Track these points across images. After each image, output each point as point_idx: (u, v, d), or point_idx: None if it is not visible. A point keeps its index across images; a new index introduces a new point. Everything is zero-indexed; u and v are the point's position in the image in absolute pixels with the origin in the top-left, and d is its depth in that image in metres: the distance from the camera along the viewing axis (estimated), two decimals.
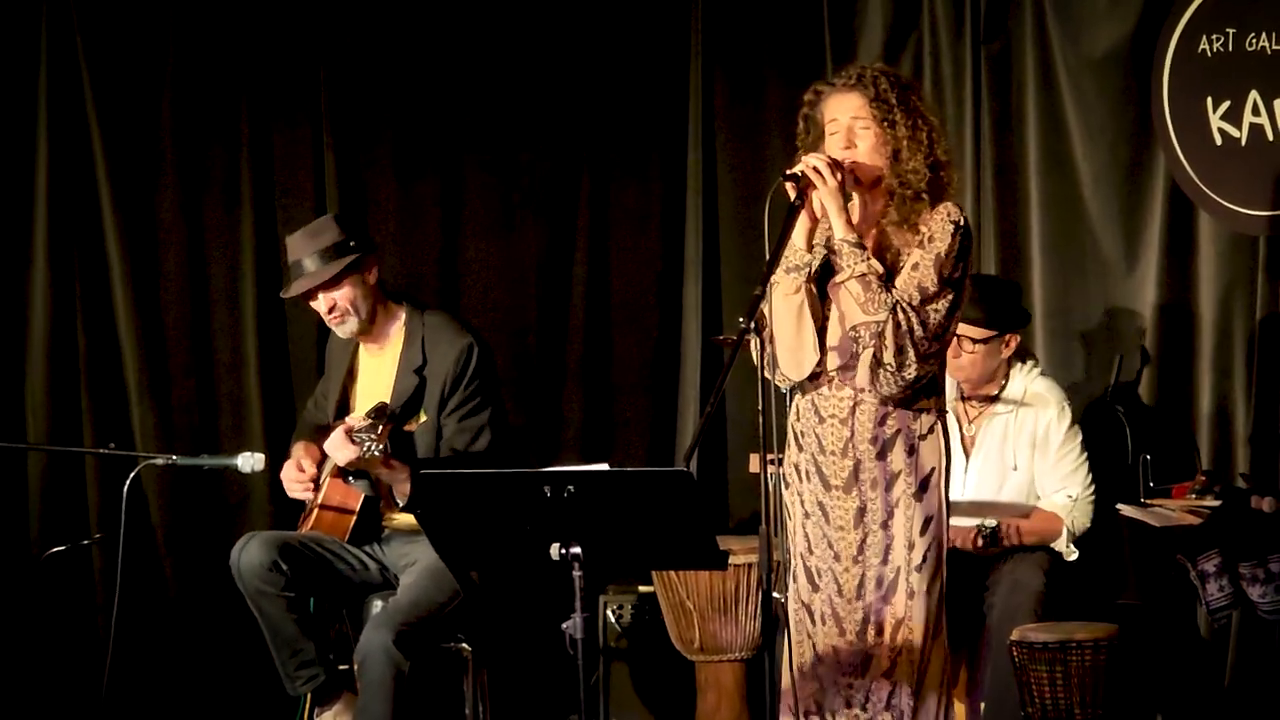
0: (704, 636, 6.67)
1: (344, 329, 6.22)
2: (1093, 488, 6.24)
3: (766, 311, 5.07)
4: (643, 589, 6.95)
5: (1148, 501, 6.08)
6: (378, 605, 6.14)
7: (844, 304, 5.02)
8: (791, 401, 5.20)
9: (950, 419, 5.27)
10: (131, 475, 6.12)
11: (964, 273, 5.06)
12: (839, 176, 4.99)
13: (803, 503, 5.15)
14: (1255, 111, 6.35)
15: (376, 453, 5.85)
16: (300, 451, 6.26)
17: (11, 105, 7.25)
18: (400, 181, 7.57)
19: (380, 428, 5.86)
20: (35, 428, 7.26)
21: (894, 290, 4.98)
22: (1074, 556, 6.20)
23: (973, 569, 6.14)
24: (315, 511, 6.19)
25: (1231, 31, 6.39)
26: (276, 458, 6.44)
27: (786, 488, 5.19)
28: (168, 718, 7.26)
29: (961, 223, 5.04)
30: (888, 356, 4.97)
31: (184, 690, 7.26)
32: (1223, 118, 6.43)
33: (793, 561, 5.19)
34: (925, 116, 5.09)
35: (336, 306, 6.15)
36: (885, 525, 5.08)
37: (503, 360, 6.88)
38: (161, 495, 7.31)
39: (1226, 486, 6.12)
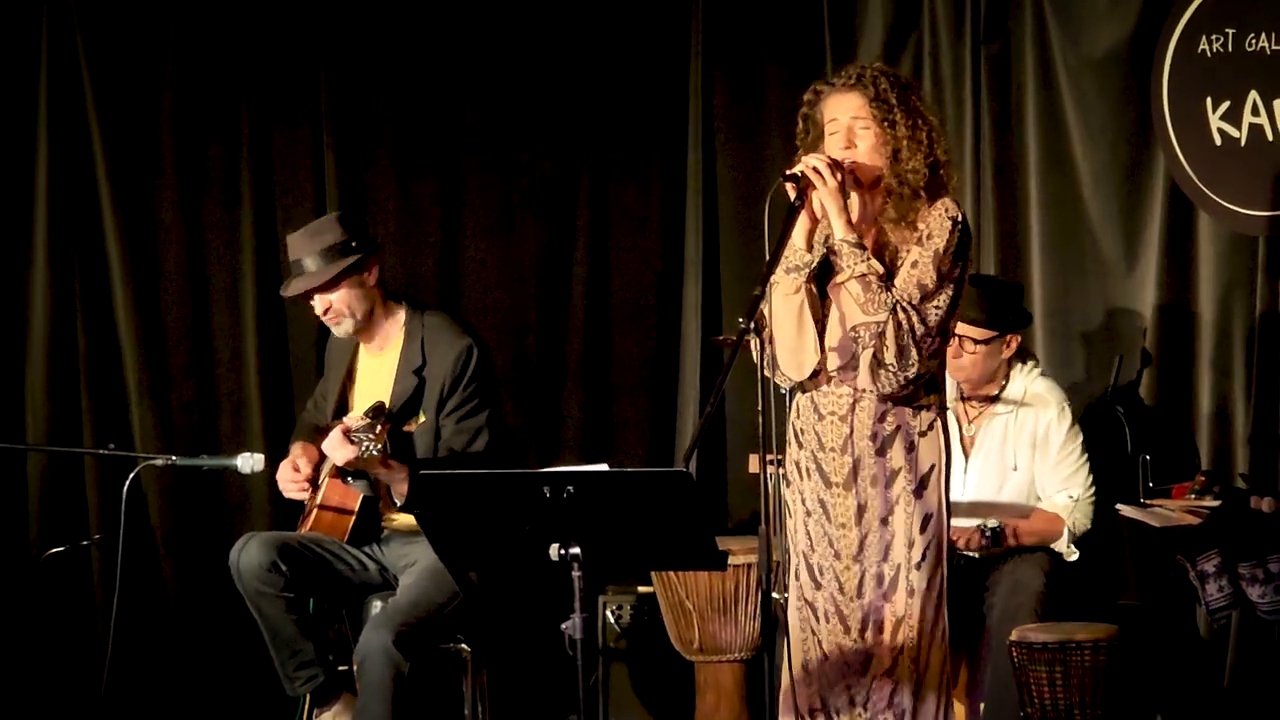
0: (703, 637, 6.67)
1: (339, 329, 6.23)
2: (1093, 489, 6.24)
3: (766, 312, 5.07)
4: (642, 589, 6.95)
5: (1147, 502, 6.08)
6: (377, 606, 6.14)
7: (844, 304, 5.02)
8: (792, 400, 5.20)
9: (949, 419, 5.27)
10: (131, 476, 6.11)
11: (963, 269, 5.06)
12: (839, 177, 4.98)
13: (804, 500, 5.15)
14: (1255, 112, 6.35)
15: (375, 452, 5.85)
16: (297, 451, 6.27)
17: (11, 105, 7.25)
18: (400, 181, 7.57)
19: (378, 427, 5.86)
20: (35, 428, 7.26)
21: (893, 289, 4.98)
22: (1074, 557, 6.20)
23: (973, 569, 6.14)
24: (314, 512, 6.19)
25: (1231, 32, 6.39)
26: (276, 458, 6.44)
27: (787, 485, 5.19)
28: (167, 718, 7.26)
29: (959, 219, 5.04)
30: (889, 357, 4.97)
31: (183, 691, 7.26)
32: (1222, 118, 6.43)
33: (794, 560, 5.19)
34: (925, 116, 5.09)
35: (332, 308, 6.16)
36: (885, 522, 5.08)
37: (502, 360, 6.89)
38: (161, 496, 7.31)
39: (1226, 487, 6.12)
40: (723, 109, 7.64)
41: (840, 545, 5.11)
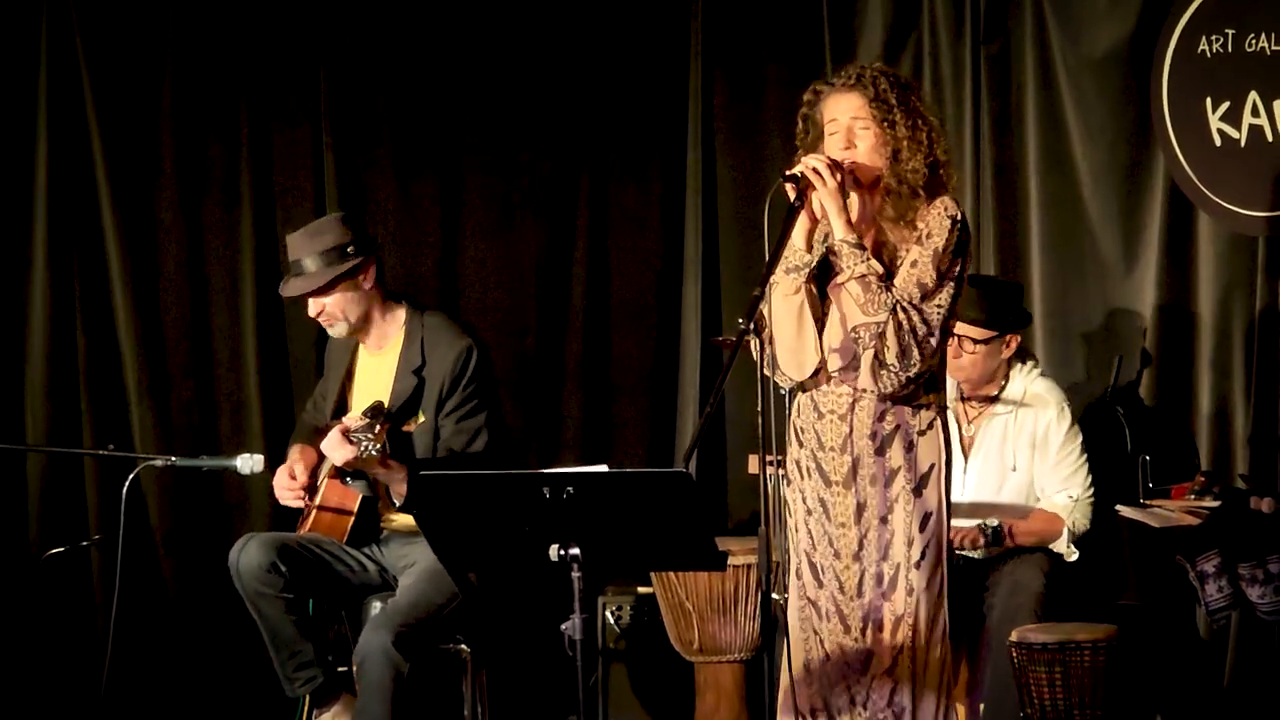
0: (703, 637, 6.67)
1: (333, 331, 6.25)
2: (1092, 489, 6.24)
3: (766, 312, 5.08)
4: (642, 590, 6.95)
5: (1147, 502, 6.07)
6: (376, 606, 6.14)
7: (844, 305, 5.02)
8: (793, 400, 5.21)
9: (949, 419, 5.27)
10: (131, 476, 6.11)
11: (963, 267, 5.06)
12: (839, 177, 4.99)
13: (804, 499, 5.15)
14: (1255, 112, 6.34)
15: (374, 452, 5.85)
16: (295, 456, 6.26)
17: (11, 105, 7.25)
18: (400, 181, 7.57)
19: (377, 427, 5.86)
20: (35, 429, 7.26)
21: (893, 289, 4.98)
22: (1074, 557, 6.20)
23: (973, 570, 6.14)
24: (313, 513, 6.19)
25: (1231, 32, 6.39)
26: (276, 459, 6.44)
27: (788, 485, 5.19)
28: (167, 718, 7.26)
29: (958, 217, 5.04)
30: (890, 357, 4.97)
31: (183, 691, 7.26)
32: (1222, 118, 6.42)
33: (795, 559, 5.19)
34: (925, 116, 5.09)
35: (325, 311, 6.16)
36: (884, 521, 5.08)
37: (502, 360, 6.88)
38: (161, 496, 7.30)
39: (1226, 487, 6.12)
40: (722, 109, 7.64)
41: (840, 544, 5.11)
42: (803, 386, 5.15)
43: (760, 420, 4.87)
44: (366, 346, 6.30)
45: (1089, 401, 6.63)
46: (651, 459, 7.61)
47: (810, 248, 5.06)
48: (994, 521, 6.13)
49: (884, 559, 5.09)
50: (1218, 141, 6.45)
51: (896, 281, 5.01)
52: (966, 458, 6.27)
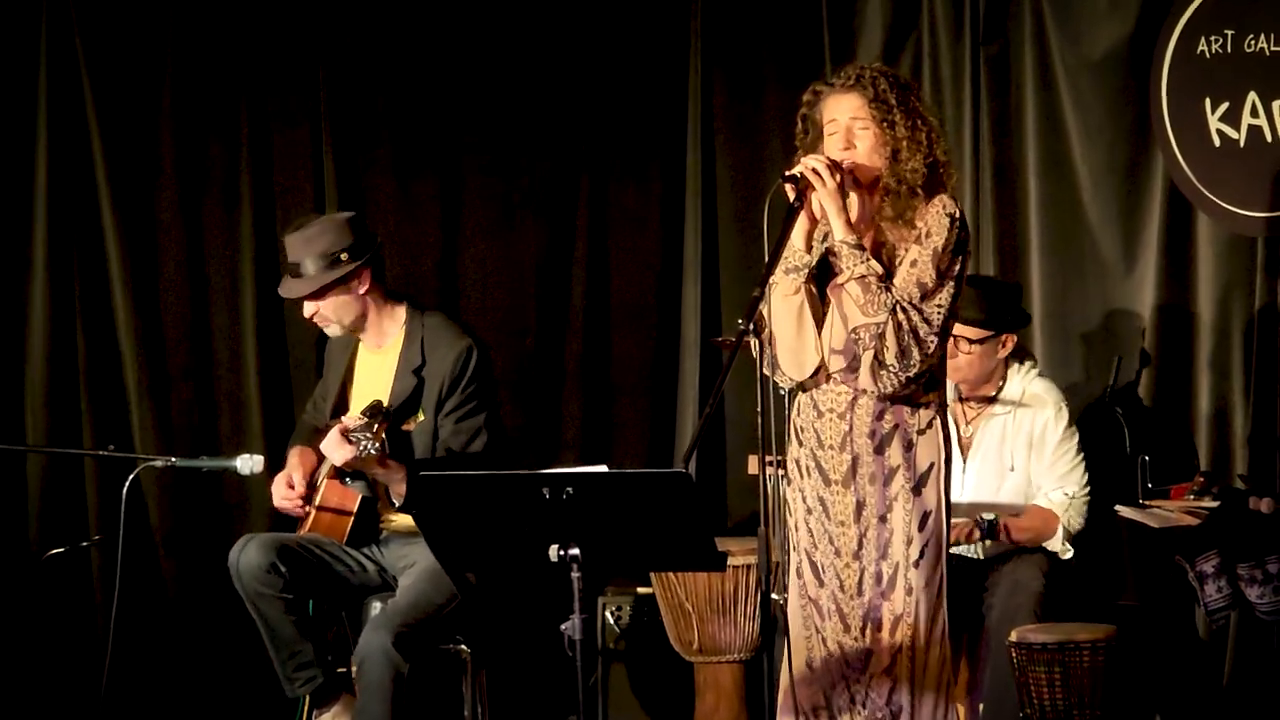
0: (702, 638, 6.67)
1: (328, 331, 6.28)
2: (1088, 488, 6.24)
3: (766, 312, 5.08)
4: (641, 590, 6.95)
5: (1146, 502, 6.07)
6: (376, 607, 6.14)
7: (844, 306, 5.02)
8: (793, 399, 5.21)
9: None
10: (131, 477, 6.12)
11: (962, 265, 5.06)
12: (838, 178, 4.99)
13: (804, 498, 5.16)
14: (1254, 113, 6.35)
15: (373, 451, 5.85)
16: (294, 461, 6.26)
17: (11, 105, 7.25)
18: (400, 181, 7.57)
19: (376, 426, 5.86)
20: (35, 429, 7.26)
21: (893, 289, 4.98)
22: (1069, 554, 6.20)
23: (972, 570, 6.14)
24: (313, 513, 6.19)
25: (1230, 33, 6.39)
26: (276, 459, 6.44)
27: (788, 484, 5.20)
28: (167, 718, 7.26)
29: (957, 215, 5.04)
30: (890, 358, 4.98)
31: (183, 691, 7.26)
32: (1221, 119, 6.43)
33: (796, 558, 5.19)
34: (924, 117, 5.09)
35: (318, 314, 6.18)
36: (883, 520, 5.08)
37: (502, 361, 6.88)
38: (161, 497, 7.30)
39: (1225, 487, 6.12)
40: (722, 109, 7.64)
41: (840, 543, 5.12)
42: (803, 386, 5.16)
43: (760, 420, 4.88)
44: (366, 345, 6.30)
45: (1088, 402, 6.63)
46: (651, 459, 7.61)
47: (810, 248, 5.07)
48: (990, 515, 6.13)
49: (883, 558, 5.09)
50: (1217, 142, 6.45)
51: (896, 281, 5.01)
52: (965, 458, 6.27)
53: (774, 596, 5.41)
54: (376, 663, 5.88)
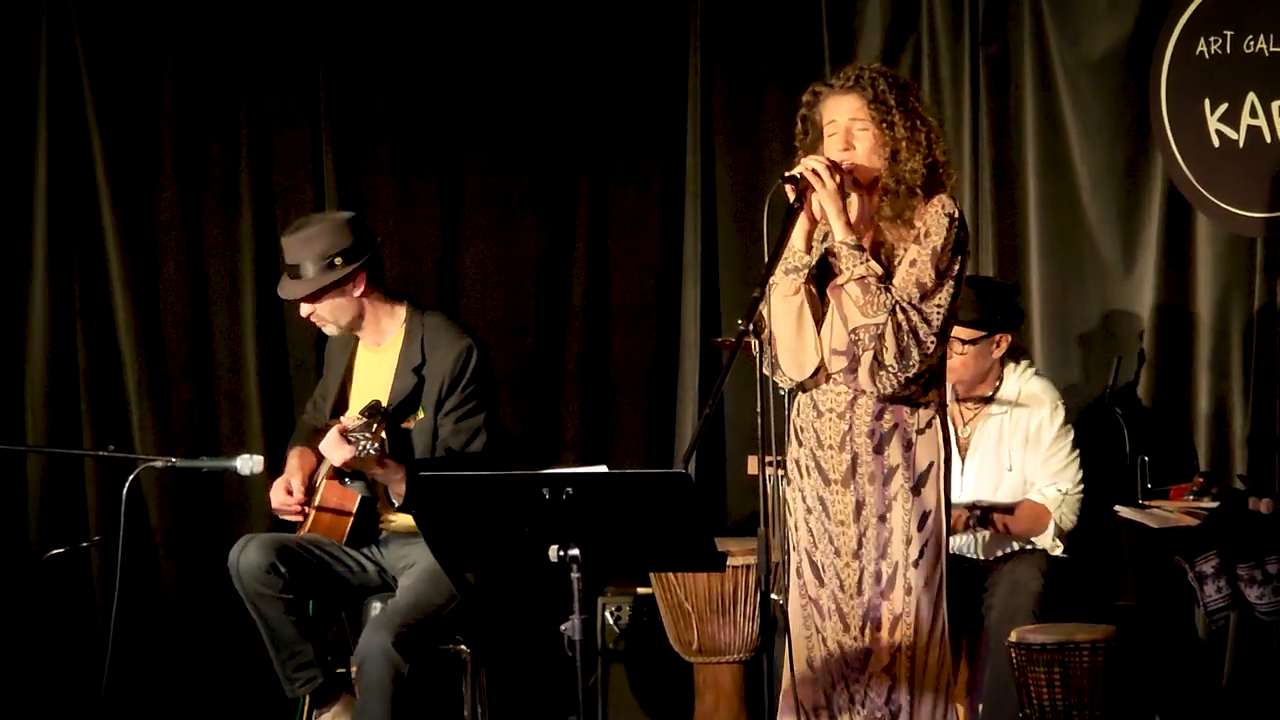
0: (702, 638, 6.67)
1: (326, 330, 6.29)
2: (1082, 486, 6.24)
3: (766, 313, 5.08)
4: (641, 590, 6.95)
5: (1146, 503, 6.07)
6: (376, 607, 6.14)
7: (844, 306, 5.02)
8: (793, 400, 5.21)
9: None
10: (131, 477, 6.12)
11: (962, 265, 5.06)
12: (838, 178, 4.99)
13: (804, 498, 5.16)
14: (1253, 113, 6.35)
15: (372, 451, 5.84)
16: (293, 465, 6.25)
17: (11, 105, 7.25)
18: (400, 181, 7.57)
19: (374, 426, 5.86)
20: (35, 430, 7.26)
21: (893, 289, 4.99)
22: (1059, 550, 6.20)
23: (971, 570, 6.14)
24: (313, 514, 6.19)
25: (1229, 33, 6.39)
26: (276, 459, 6.45)
27: (788, 484, 5.20)
28: (167, 718, 7.26)
29: (956, 215, 5.05)
30: (889, 358, 4.98)
31: (183, 692, 7.26)
32: (1220, 119, 6.43)
33: (796, 558, 5.19)
34: (924, 117, 5.10)
35: (315, 315, 6.19)
36: (883, 520, 5.09)
37: (502, 361, 6.88)
38: (161, 497, 7.31)
39: (1224, 488, 6.12)
40: (722, 110, 7.64)
41: (840, 542, 5.12)
42: (802, 386, 5.16)
43: (759, 421, 4.88)
44: (365, 343, 6.30)
45: (1088, 402, 6.63)
46: (651, 460, 7.61)
47: (809, 249, 5.07)
48: (984, 501, 6.14)
49: (882, 557, 5.09)
50: (1216, 142, 6.45)
51: (895, 281, 5.01)
52: (963, 459, 6.27)
53: (773, 596, 5.41)
54: (376, 663, 5.88)
